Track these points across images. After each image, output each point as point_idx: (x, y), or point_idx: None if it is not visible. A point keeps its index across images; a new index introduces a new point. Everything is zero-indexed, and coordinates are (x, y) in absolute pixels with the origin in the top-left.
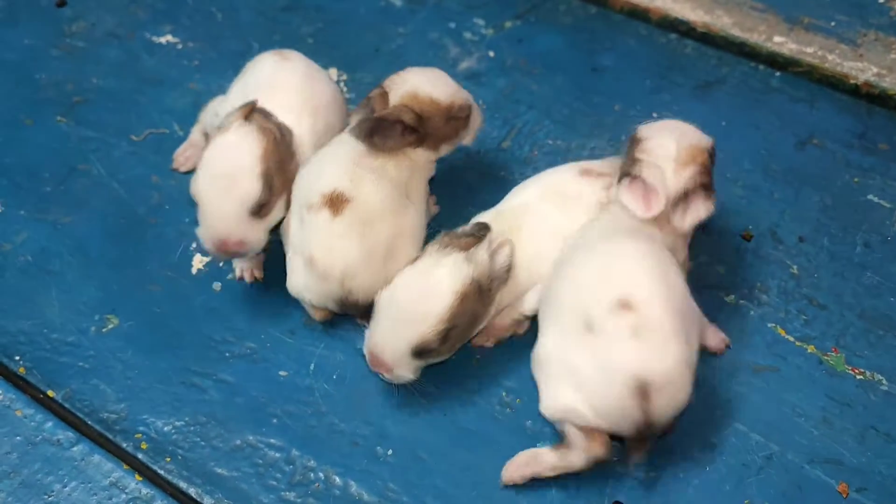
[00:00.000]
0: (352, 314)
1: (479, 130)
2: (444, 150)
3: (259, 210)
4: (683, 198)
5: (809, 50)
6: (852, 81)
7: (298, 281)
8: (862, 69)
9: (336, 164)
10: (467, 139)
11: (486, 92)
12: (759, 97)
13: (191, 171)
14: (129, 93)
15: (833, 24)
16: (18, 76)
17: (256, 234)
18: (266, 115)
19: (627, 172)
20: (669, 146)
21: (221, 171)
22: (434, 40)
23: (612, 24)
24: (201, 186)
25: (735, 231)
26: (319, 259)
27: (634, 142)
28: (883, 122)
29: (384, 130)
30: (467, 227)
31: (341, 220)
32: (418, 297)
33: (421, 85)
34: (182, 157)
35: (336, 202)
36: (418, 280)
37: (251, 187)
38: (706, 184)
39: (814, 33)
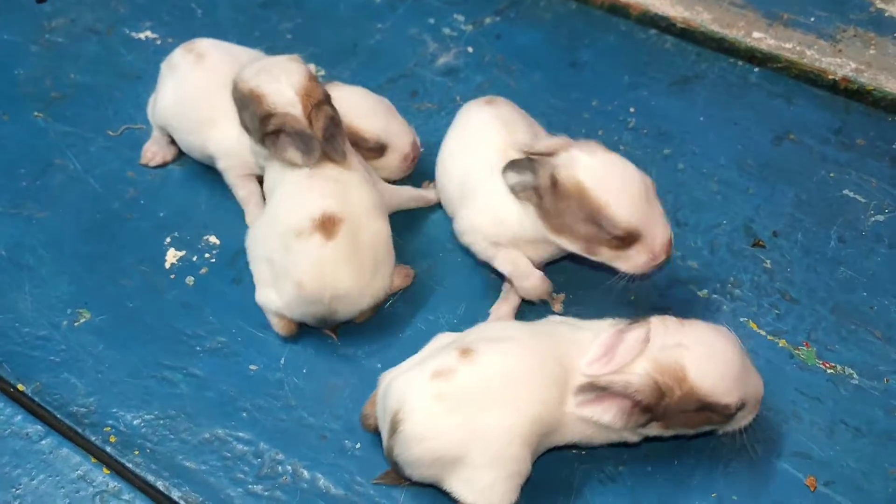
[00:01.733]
0: (321, 327)
1: None
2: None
3: None
4: (602, 389)
5: (788, 45)
6: (830, 77)
7: (270, 297)
8: (840, 65)
9: (317, 188)
10: None
11: (463, 87)
12: (737, 92)
13: (160, 167)
14: (107, 88)
15: (812, 19)
16: None
17: None
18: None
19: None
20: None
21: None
22: (413, 36)
23: (591, 19)
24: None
25: (709, 226)
26: (308, 284)
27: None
28: (860, 118)
29: (335, 134)
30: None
31: (335, 245)
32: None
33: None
34: (149, 153)
35: (328, 224)
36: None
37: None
38: (648, 405)
39: (793, 29)
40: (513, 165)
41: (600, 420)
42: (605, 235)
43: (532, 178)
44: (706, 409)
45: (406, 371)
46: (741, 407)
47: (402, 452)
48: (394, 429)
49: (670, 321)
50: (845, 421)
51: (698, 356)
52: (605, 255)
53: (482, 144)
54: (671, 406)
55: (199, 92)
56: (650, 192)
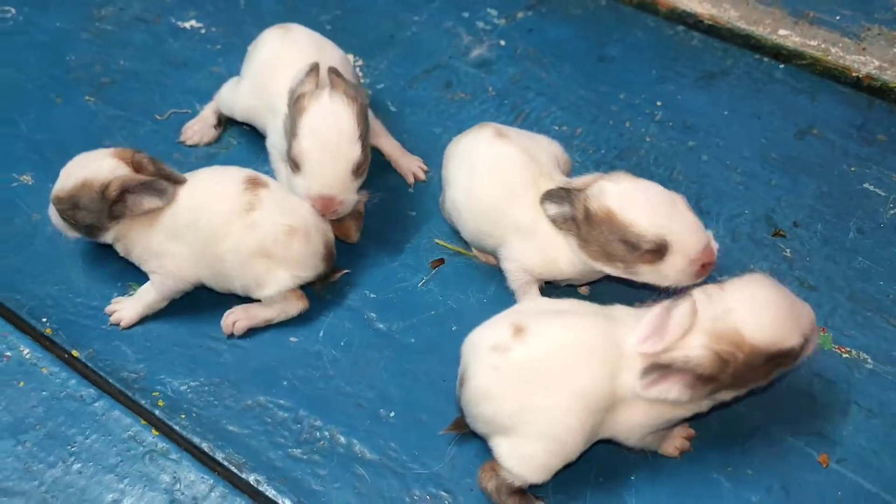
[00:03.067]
0: (330, 269)
1: None
2: None
3: (358, 170)
4: (665, 367)
5: (813, 43)
6: (854, 74)
7: (282, 276)
8: (864, 62)
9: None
10: None
11: (495, 79)
12: (761, 88)
13: (197, 145)
14: (154, 74)
15: (837, 17)
16: (50, 57)
17: (353, 193)
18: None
19: (676, 290)
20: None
21: (327, 137)
22: (448, 29)
23: (621, 15)
24: (309, 150)
25: (731, 215)
26: (294, 224)
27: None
28: (882, 115)
29: None
30: None
31: (271, 189)
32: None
33: None
34: (190, 132)
35: (255, 181)
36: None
37: (354, 150)
38: (711, 375)
39: (818, 27)
40: (550, 197)
41: (667, 398)
42: (638, 252)
43: (570, 209)
44: (774, 359)
45: (481, 330)
46: (805, 342)
47: (466, 406)
48: (461, 382)
49: (711, 289)
50: (858, 402)
51: (749, 314)
52: (645, 274)
53: (525, 184)
54: (738, 369)
55: (272, 60)
56: (678, 204)
